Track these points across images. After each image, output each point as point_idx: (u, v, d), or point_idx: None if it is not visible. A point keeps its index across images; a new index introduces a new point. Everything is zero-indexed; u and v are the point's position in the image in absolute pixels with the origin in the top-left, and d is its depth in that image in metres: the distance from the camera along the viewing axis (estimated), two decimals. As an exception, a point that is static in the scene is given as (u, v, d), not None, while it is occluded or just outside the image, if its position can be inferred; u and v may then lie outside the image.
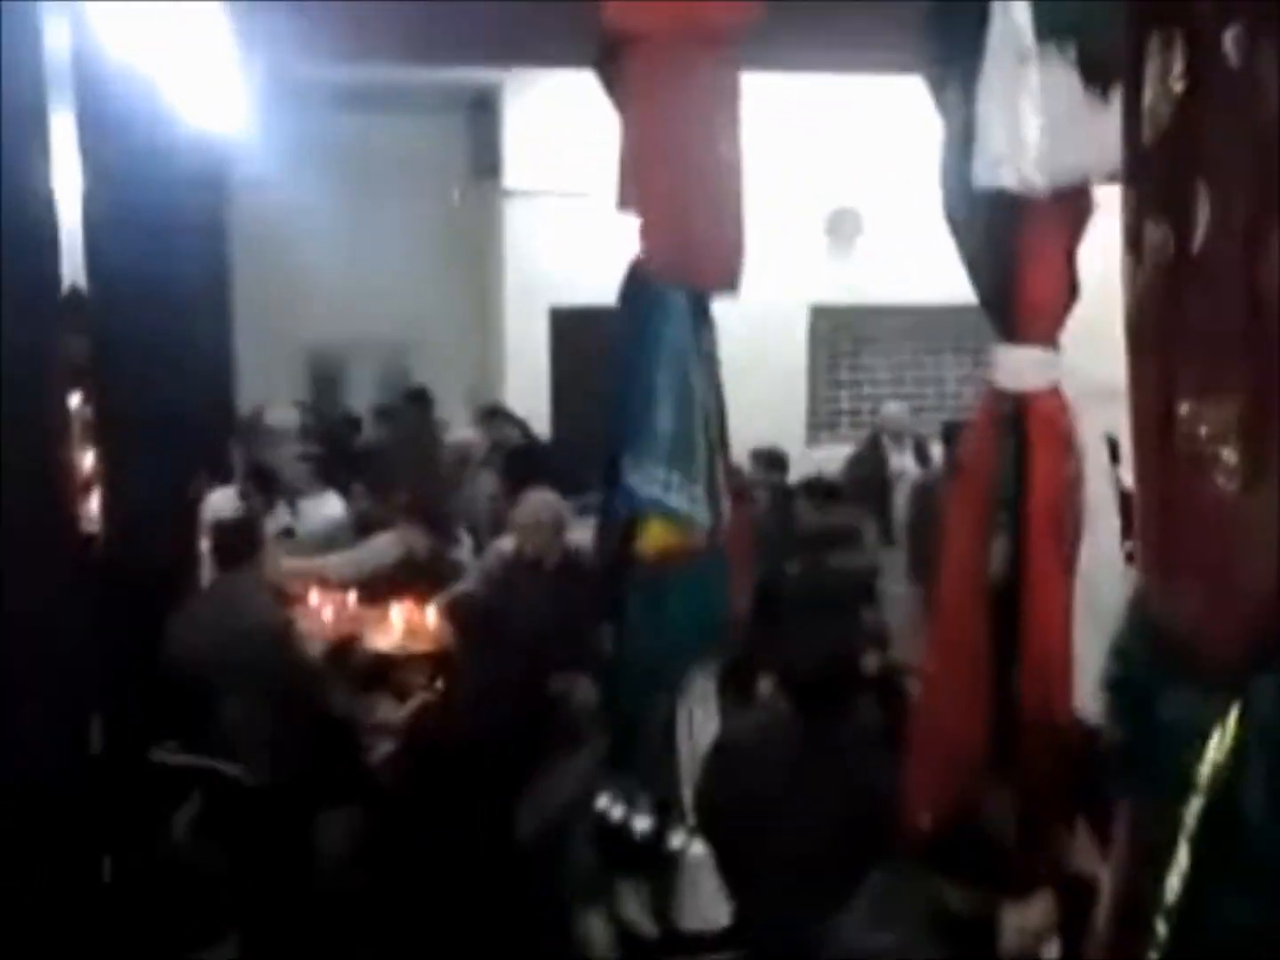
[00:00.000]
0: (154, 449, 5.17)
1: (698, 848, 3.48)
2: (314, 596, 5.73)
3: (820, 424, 10.09)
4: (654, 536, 3.43)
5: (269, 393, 8.95)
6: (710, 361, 3.56)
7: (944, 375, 10.14)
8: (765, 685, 3.81)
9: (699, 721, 3.50)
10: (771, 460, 7.03)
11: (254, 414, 8.37)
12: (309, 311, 9.64)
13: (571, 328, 9.04)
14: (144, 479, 5.06)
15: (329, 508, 7.04)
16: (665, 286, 3.48)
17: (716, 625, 3.47)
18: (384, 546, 6.21)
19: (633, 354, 3.49)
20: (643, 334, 3.44)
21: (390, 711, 5.02)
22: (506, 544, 5.70)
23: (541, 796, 3.86)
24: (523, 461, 7.16)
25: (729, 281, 3.59)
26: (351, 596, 5.76)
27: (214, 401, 7.52)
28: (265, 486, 6.76)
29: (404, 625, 5.43)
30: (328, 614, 5.63)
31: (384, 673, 5.23)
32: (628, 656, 3.52)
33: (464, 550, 6.48)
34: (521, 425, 8.12)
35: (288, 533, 6.58)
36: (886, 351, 10.09)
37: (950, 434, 6.77)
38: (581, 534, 5.92)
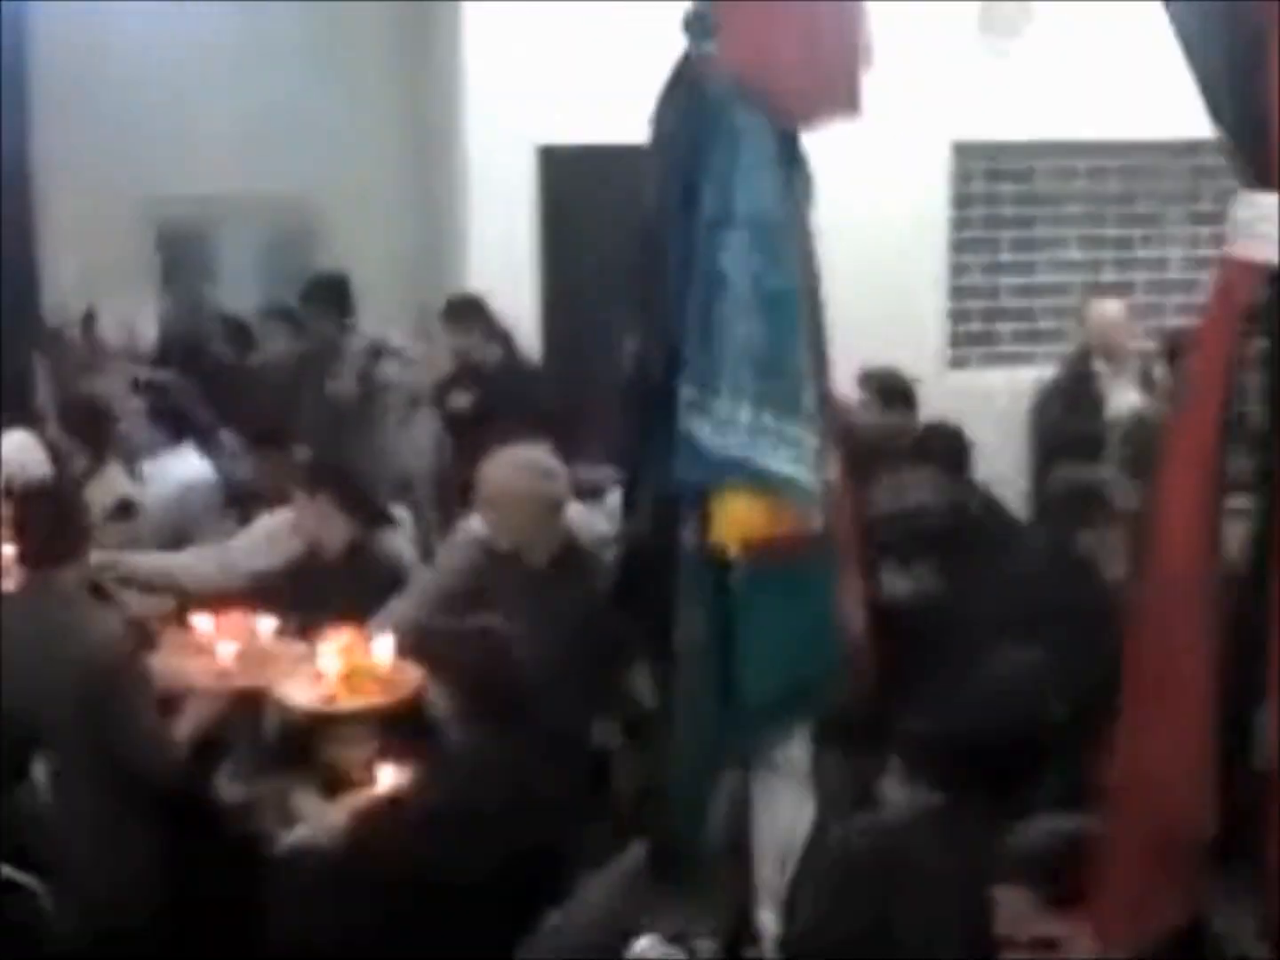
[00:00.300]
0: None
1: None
2: (201, 623, 5.49)
3: (969, 334, 9.94)
4: (737, 518, 3.29)
5: (99, 288, 8.89)
6: (806, 237, 3.49)
7: (1165, 252, 10.04)
8: (900, 757, 3.75)
9: (786, 809, 3.41)
10: (890, 391, 6.91)
11: (73, 321, 8.13)
12: (157, 163, 9.62)
13: (571, 177, 8.95)
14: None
15: (184, 470, 7.01)
16: (740, 108, 3.35)
17: (825, 660, 3.39)
18: (271, 535, 6.11)
19: (685, 219, 3.39)
20: (706, 184, 3.32)
21: (314, 812, 4.74)
22: (476, 526, 5.67)
23: (551, 937, 3.81)
24: (498, 395, 7.01)
25: (839, 104, 3.50)
26: (264, 623, 5.49)
27: (9, 305, 7.25)
28: (89, 435, 6.71)
29: (341, 666, 5.06)
30: (226, 652, 5.32)
31: (306, 745, 4.95)
32: (686, 710, 3.46)
33: (400, 538, 6.32)
34: (504, 337, 8.02)
35: (124, 508, 6.51)
36: (1073, 219, 9.97)
37: (1176, 348, 6.76)
38: (590, 517, 5.86)
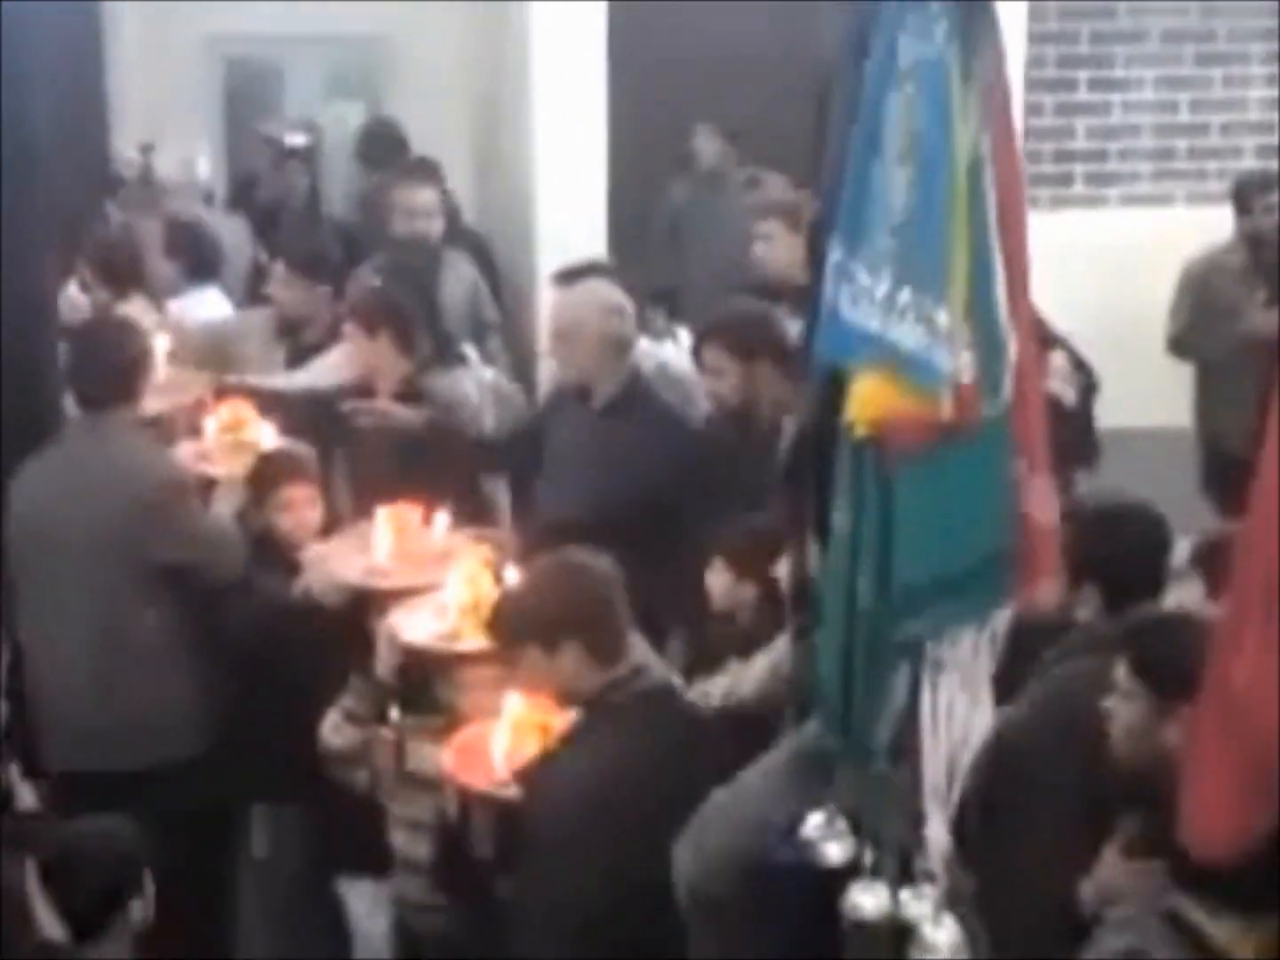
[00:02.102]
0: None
1: (950, 928, 3.13)
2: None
3: (1041, 175, 9.39)
4: (867, 396, 3.02)
5: (163, 123, 8.77)
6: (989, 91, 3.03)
7: (1245, 93, 9.49)
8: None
9: (960, 713, 3.12)
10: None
11: (135, 161, 8.06)
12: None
13: (640, 30, 8.44)
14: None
15: (208, 308, 6.93)
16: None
17: (984, 551, 3.06)
18: (330, 364, 6.06)
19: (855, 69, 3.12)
20: (874, 34, 3.04)
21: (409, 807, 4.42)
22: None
23: (718, 813, 3.69)
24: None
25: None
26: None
27: (79, 145, 7.11)
28: (111, 271, 6.63)
29: (466, 598, 4.53)
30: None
31: (425, 685, 4.50)
32: (840, 600, 3.20)
33: (470, 381, 6.19)
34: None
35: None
36: (1150, 58, 9.44)
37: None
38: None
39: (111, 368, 4.95)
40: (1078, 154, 9.62)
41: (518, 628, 3.97)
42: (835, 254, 3.07)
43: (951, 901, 3.14)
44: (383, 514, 4.99)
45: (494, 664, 4.20)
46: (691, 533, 4.98)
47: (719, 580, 4.68)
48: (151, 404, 5.37)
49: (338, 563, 4.92)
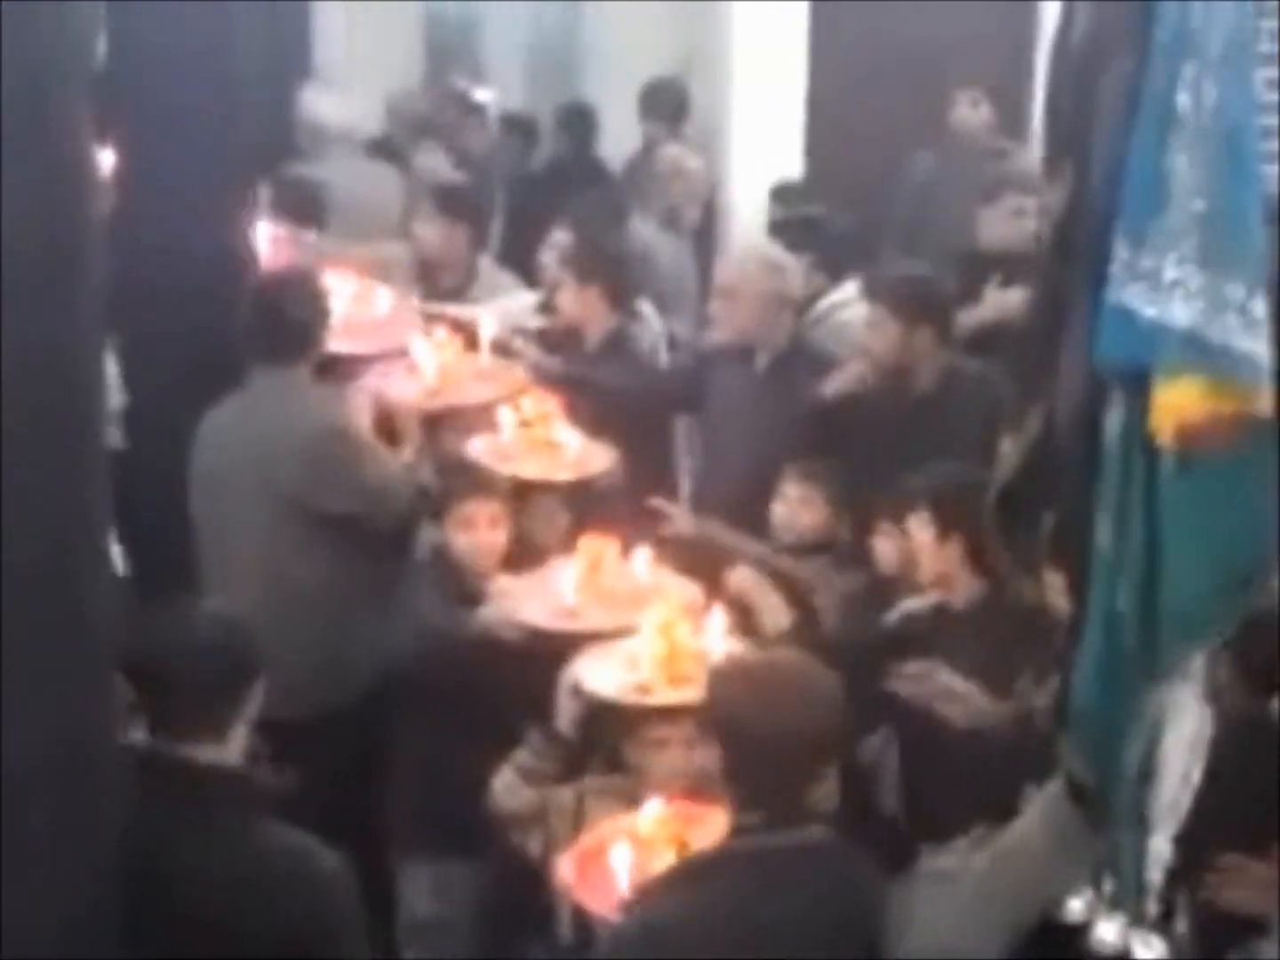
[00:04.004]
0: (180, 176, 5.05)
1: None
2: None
3: None
4: (1175, 400, 2.74)
5: (362, 72, 8.59)
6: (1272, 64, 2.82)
7: None
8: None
9: (1190, 722, 3.01)
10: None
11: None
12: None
13: None
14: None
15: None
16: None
17: (1258, 559, 2.87)
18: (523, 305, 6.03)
19: (1137, 41, 2.82)
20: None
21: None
22: None
23: (952, 889, 3.18)
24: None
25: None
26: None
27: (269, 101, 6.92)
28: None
29: (661, 648, 4.04)
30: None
31: (612, 743, 4.06)
32: (1101, 623, 2.96)
33: (648, 333, 6.20)
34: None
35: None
36: None
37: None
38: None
39: (294, 321, 4.87)
40: None
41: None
42: (1122, 250, 2.78)
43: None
44: (580, 546, 4.48)
45: (689, 721, 3.77)
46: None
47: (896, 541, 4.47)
48: (473, 391, 5.18)
49: (522, 598, 4.42)
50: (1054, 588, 3.35)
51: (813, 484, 4.85)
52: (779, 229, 6.41)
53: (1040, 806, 3.10)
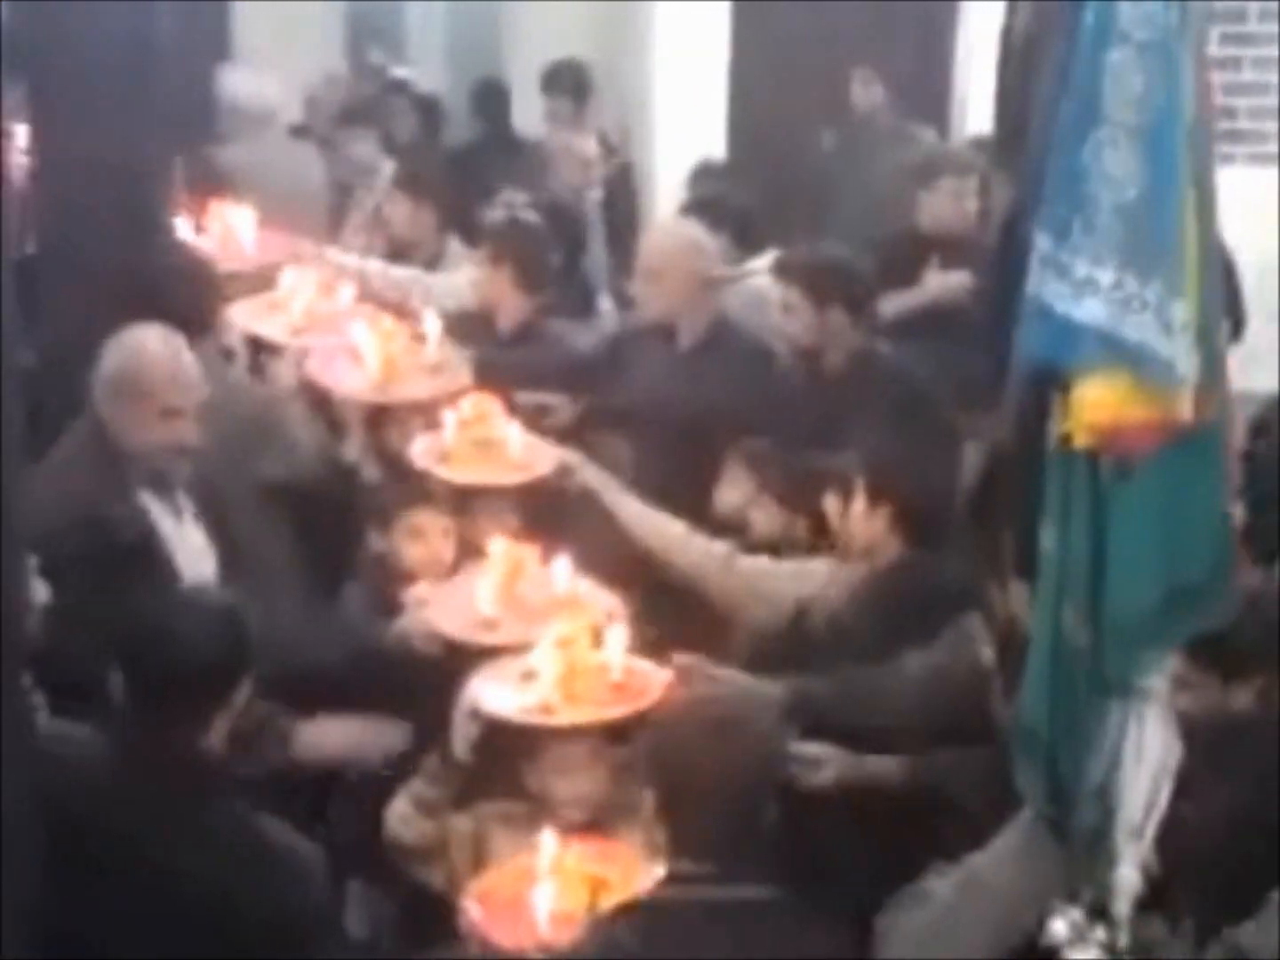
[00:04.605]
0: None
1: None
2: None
3: None
4: (1091, 400, 2.68)
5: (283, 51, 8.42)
6: (1202, 65, 2.78)
7: None
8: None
9: (1153, 744, 2.86)
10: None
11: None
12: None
13: None
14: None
15: None
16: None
17: (1207, 567, 2.80)
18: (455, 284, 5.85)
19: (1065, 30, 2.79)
20: None
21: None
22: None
23: (940, 911, 3.08)
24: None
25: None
26: None
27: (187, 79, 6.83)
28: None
29: (560, 665, 3.77)
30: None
31: (510, 768, 3.80)
32: (1047, 633, 2.87)
33: (597, 332, 6.20)
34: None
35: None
36: None
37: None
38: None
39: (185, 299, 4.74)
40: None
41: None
42: (1042, 243, 2.72)
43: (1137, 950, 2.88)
44: (495, 551, 4.21)
45: (590, 743, 3.64)
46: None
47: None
48: (417, 387, 4.93)
49: (440, 607, 4.16)
50: (1017, 597, 3.29)
51: (752, 466, 4.80)
52: (692, 208, 6.39)
53: (1012, 829, 3.01)
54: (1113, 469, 2.70)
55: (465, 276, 5.88)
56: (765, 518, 4.67)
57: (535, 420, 5.05)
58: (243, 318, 5.22)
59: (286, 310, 5.26)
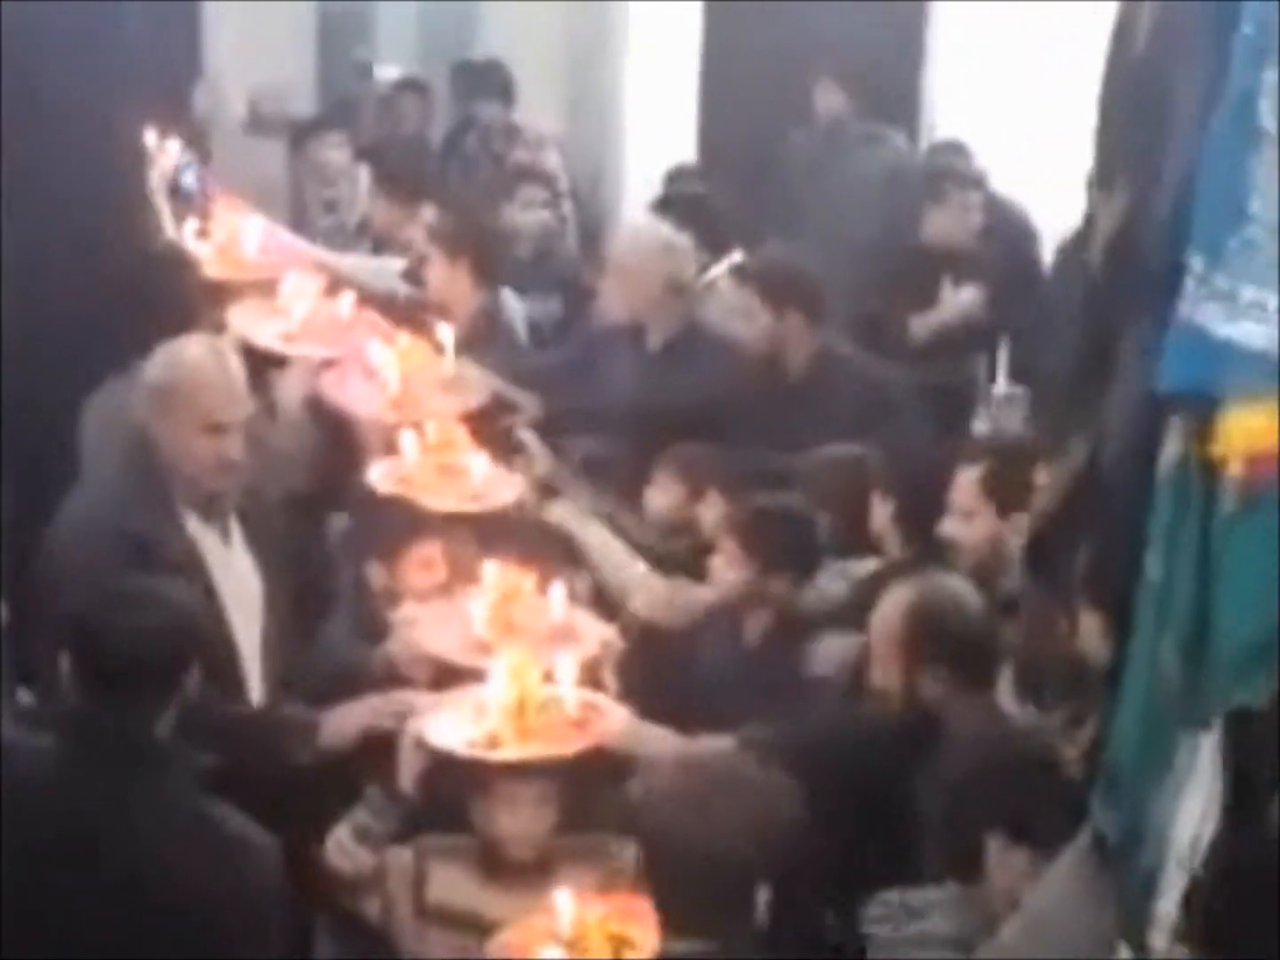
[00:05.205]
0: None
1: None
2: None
3: None
4: (1248, 425, 2.56)
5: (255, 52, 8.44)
6: None
7: None
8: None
9: (1204, 778, 2.72)
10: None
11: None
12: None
13: None
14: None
15: None
16: None
17: None
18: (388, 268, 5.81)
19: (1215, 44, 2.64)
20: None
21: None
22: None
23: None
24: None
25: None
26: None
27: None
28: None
29: (509, 697, 3.56)
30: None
31: (456, 803, 3.62)
32: (1143, 665, 2.75)
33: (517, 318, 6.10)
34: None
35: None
36: None
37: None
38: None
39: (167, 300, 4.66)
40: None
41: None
42: (1196, 264, 2.59)
43: None
44: (489, 575, 3.99)
45: (538, 779, 3.47)
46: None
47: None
48: (440, 403, 4.59)
49: (431, 630, 3.95)
50: (1089, 630, 3.20)
51: (683, 471, 4.78)
52: (661, 207, 6.39)
53: (1069, 863, 2.90)
54: (1240, 498, 2.58)
55: (397, 264, 5.91)
56: (714, 515, 4.63)
57: (504, 419, 5.03)
58: (239, 323, 4.92)
59: (286, 316, 4.93)
